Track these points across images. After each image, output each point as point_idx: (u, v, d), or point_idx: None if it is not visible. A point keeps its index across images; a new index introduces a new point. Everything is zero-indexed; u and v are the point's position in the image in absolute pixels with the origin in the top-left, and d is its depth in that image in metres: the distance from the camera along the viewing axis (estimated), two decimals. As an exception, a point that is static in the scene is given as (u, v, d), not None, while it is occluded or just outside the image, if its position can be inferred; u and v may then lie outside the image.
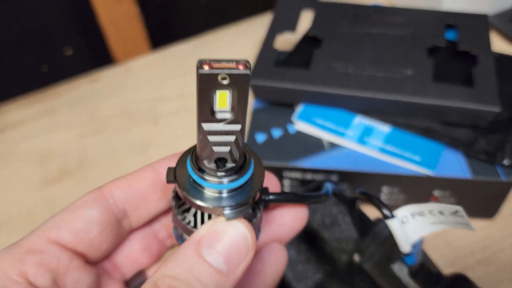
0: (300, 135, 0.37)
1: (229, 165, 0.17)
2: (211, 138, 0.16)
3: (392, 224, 0.19)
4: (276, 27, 0.42)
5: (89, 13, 0.56)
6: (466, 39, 0.39)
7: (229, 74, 0.14)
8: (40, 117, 0.52)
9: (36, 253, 0.18)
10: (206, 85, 0.15)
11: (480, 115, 0.34)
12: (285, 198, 0.21)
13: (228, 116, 0.16)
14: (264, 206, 0.20)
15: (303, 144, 0.36)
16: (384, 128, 0.36)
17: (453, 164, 0.34)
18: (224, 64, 0.14)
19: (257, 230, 0.20)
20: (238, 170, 0.18)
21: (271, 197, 0.20)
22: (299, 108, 0.38)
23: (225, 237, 0.17)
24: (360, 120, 0.37)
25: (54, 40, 0.58)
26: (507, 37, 0.52)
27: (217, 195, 0.18)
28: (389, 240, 0.24)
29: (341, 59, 0.38)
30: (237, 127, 0.16)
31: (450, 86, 0.35)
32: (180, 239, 0.20)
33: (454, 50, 0.39)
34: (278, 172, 0.36)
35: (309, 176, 0.36)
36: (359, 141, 0.35)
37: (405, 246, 0.19)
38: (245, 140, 0.18)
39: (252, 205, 0.19)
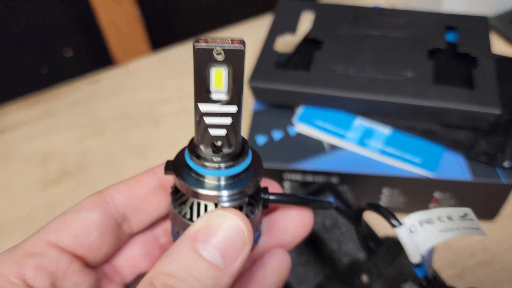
0: (300, 137, 0.37)
1: (226, 150, 0.17)
2: (207, 120, 0.16)
3: (401, 233, 0.19)
4: (277, 29, 0.42)
5: (89, 15, 0.56)
6: (466, 41, 0.39)
7: (224, 49, 0.15)
8: (40, 119, 0.52)
9: (35, 256, 0.18)
10: (202, 60, 0.15)
11: (481, 117, 0.34)
12: (285, 199, 0.21)
13: (224, 96, 0.16)
14: (264, 206, 0.20)
15: (304, 146, 0.36)
16: (384, 130, 0.36)
17: (454, 166, 0.34)
18: (219, 41, 0.15)
19: (255, 229, 0.19)
20: (235, 158, 0.17)
21: (271, 197, 0.20)
22: (300, 110, 0.38)
23: (220, 231, 0.16)
24: (360, 122, 0.37)
25: (54, 41, 0.58)
26: (507, 39, 0.52)
27: (213, 182, 0.17)
28: (399, 258, 0.23)
29: (342, 61, 0.38)
30: (233, 108, 0.16)
31: (450, 88, 0.35)
32: (177, 237, 0.20)
33: (454, 52, 0.39)
34: (279, 174, 0.36)
35: (309, 178, 0.36)
36: (360, 143, 0.35)
37: (415, 256, 0.19)
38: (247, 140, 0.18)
39: (249, 199, 0.19)
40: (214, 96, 0.16)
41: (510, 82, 0.38)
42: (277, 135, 0.37)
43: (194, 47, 0.15)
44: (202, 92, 0.16)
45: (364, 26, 0.41)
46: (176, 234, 0.20)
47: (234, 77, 0.16)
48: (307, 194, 0.34)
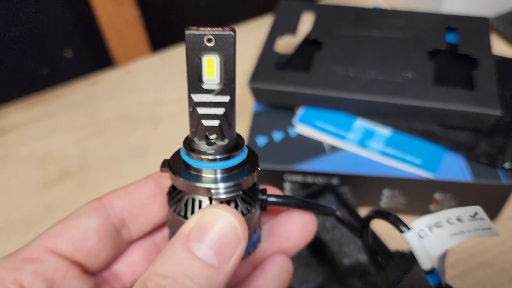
0: (301, 138, 0.37)
1: (219, 142, 0.17)
2: (200, 111, 0.17)
3: (410, 238, 0.18)
4: (277, 30, 0.42)
5: (89, 15, 0.56)
6: (467, 42, 0.39)
7: (214, 35, 0.15)
8: (40, 120, 0.52)
9: (32, 262, 0.18)
10: (193, 47, 0.16)
11: (481, 118, 0.34)
12: (284, 202, 0.20)
13: (217, 86, 0.16)
14: (262, 207, 0.20)
15: (304, 147, 0.36)
16: (385, 131, 0.36)
17: (454, 167, 0.34)
18: (210, 29, 0.16)
19: (252, 230, 0.19)
20: (229, 151, 0.17)
21: (269, 198, 0.20)
22: (300, 111, 0.38)
23: (213, 228, 0.16)
24: (361, 123, 0.37)
25: (54, 42, 0.58)
26: (508, 40, 0.52)
27: (207, 176, 0.17)
28: (411, 272, 0.23)
29: (342, 62, 0.38)
30: (226, 98, 0.16)
31: (450, 89, 0.35)
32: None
33: (454, 53, 0.39)
34: (279, 175, 0.36)
35: (310, 179, 0.36)
36: (360, 144, 0.35)
37: (426, 262, 0.18)
38: (246, 142, 0.18)
39: (245, 196, 0.18)
40: (206, 86, 0.16)
41: (511, 83, 0.38)
42: (277, 136, 0.37)
43: (185, 33, 0.15)
44: (194, 82, 0.16)
45: (364, 27, 0.41)
46: (172, 235, 0.19)
47: (225, 65, 0.16)
48: (308, 196, 0.34)
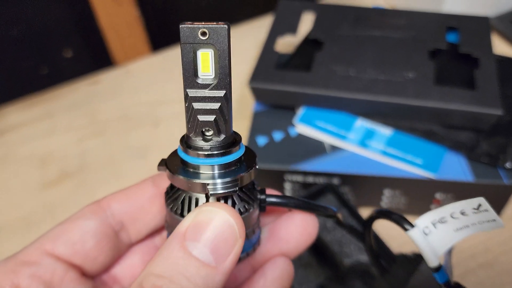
0: (301, 138, 0.37)
1: (216, 138, 0.17)
2: (196, 106, 0.17)
3: (415, 236, 0.18)
4: (277, 29, 0.42)
5: (89, 15, 0.56)
6: (468, 41, 0.39)
7: (207, 28, 0.16)
8: (40, 120, 0.52)
9: (30, 265, 0.18)
10: (187, 40, 0.16)
11: (482, 118, 0.34)
12: (283, 202, 0.20)
13: (212, 81, 0.16)
14: (261, 208, 0.19)
15: (305, 147, 0.36)
16: (385, 131, 0.36)
17: (455, 167, 0.34)
18: (204, 23, 0.16)
19: (251, 230, 0.19)
20: (226, 147, 0.17)
21: (268, 198, 0.19)
22: (300, 111, 0.38)
23: (209, 227, 0.16)
24: (361, 123, 0.37)
25: (54, 42, 0.58)
26: (508, 39, 0.52)
27: (204, 172, 0.17)
28: (415, 275, 0.22)
29: (342, 61, 0.38)
30: (221, 93, 0.17)
31: (451, 89, 0.35)
32: None
33: (455, 52, 0.38)
34: (279, 175, 0.36)
35: (310, 179, 0.35)
36: (361, 144, 0.35)
37: (433, 260, 0.18)
38: (246, 142, 0.18)
39: (243, 194, 0.18)
40: (202, 81, 0.17)
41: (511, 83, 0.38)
42: (277, 136, 0.37)
43: (179, 27, 0.16)
44: (190, 77, 0.16)
45: (365, 26, 0.41)
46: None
47: (220, 59, 0.16)
48: (308, 196, 0.33)
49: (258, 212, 0.19)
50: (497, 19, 0.54)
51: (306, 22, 0.44)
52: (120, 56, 0.60)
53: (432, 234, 0.18)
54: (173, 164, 0.18)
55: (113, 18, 0.56)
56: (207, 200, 0.18)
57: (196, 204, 0.18)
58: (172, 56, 0.58)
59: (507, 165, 0.33)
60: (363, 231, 0.22)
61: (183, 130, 0.18)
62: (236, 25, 0.61)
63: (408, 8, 0.43)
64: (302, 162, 0.35)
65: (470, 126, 0.35)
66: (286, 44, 0.44)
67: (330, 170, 0.34)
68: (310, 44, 0.41)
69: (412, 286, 0.22)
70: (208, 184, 0.17)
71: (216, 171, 0.17)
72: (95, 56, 0.61)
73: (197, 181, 0.17)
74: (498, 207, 0.35)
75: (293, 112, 0.38)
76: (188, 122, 0.17)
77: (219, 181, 0.17)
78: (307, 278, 0.31)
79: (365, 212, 0.38)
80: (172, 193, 0.19)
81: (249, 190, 0.19)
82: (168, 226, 0.19)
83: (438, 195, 0.35)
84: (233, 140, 0.18)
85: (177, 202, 0.18)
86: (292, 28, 0.42)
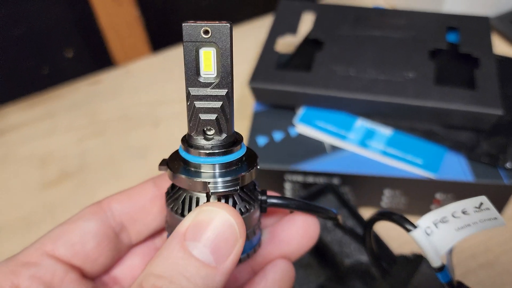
0: (301, 138, 0.37)
1: (217, 137, 0.17)
2: (198, 104, 0.17)
3: (417, 236, 0.18)
4: (277, 29, 0.42)
5: (89, 15, 0.56)
6: (468, 41, 0.39)
7: (210, 26, 0.16)
8: (40, 120, 0.52)
9: (30, 266, 0.18)
10: (190, 38, 0.16)
11: (482, 118, 0.33)
12: (284, 203, 0.20)
13: (214, 79, 0.17)
14: (262, 209, 0.19)
15: (305, 147, 0.36)
16: (386, 131, 0.36)
17: (455, 167, 0.34)
18: (207, 22, 0.16)
19: (252, 231, 0.19)
20: (227, 147, 0.17)
21: (269, 199, 0.19)
22: (301, 111, 0.38)
23: (209, 227, 0.16)
24: (361, 123, 0.37)
25: (54, 42, 0.58)
26: (508, 39, 0.52)
27: (205, 171, 0.17)
28: (416, 276, 0.22)
29: (343, 61, 0.38)
30: (223, 91, 0.17)
31: (452, 89, 0.35)
32: None
33: (455, 52, 0.38)
34: (280, 175, 0.36)
35: (310, 179, 0.35)
36: (361, 144, 0.35)
37: (436, 260, 0.18)
38: (246, 142, 0.18)
39: (243, 195, 0.18)
40: (204, 80, 0.17)
41: (512, 83, 0.38)
42: (278, 136, 0.37)
43: (182, 26, 0.16)
44: (192, 76, 0.17)
45: (365, 26, 0.41)
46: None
47: (222, 58, 0.16)
48: (308, 196, 0.33)
49: (259, 213, 0.19)
50: (497, 19, 0.53)
51: (306, 22, 0.44)
52: (120, 56, 0.60)
53: (434, 234, 0.18)
54: (174, 164, 0.18)
55: (113, 18, 0.56)
56: (208, 200, 0.18)
57: (197, 204, 0.18)
58: (172, 56, 0.58)
59: (507, 165, 0.33)
60: (363, 233, 0.22)
61: (183, 130, 0.18)
62: (236, 25, 0.61)
63: (408, 8, 0.43)
64: (302, 162, 0.35)
65: (470, 126, 0.35)
66: (286, 44, 0.44)
67: (330, 170, 0.34)
68: (310, 44, 0.41)
69: (412, 287, 0.22)
70: (209, 182, 0.17)
71: (217, 170, 0.17)
72: (95, 56, 0.61)
73: (198, 179, 0.17)
74: (498, 207, 0.35)
75: (293, 112, 0.38)
76: (189, 120, 0.17)
77: (220, 179, 0.17)
78: (307, 278, 0.31)
79: (365, 212, 0.38)
80: (172, 193, 0.19)
81: (250, 190, 0.19)
82: (169, 227, 0.19)
83: (438, 195, 0.35)
84: (235, 139, 0.18)
85: (178, 201, 0.18)
86: (292, 28, 0.42)
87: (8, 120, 0.52)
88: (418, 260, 0.23)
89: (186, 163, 0.18)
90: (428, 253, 0.18)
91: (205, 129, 0.17)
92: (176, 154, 0.19)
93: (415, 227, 0.18)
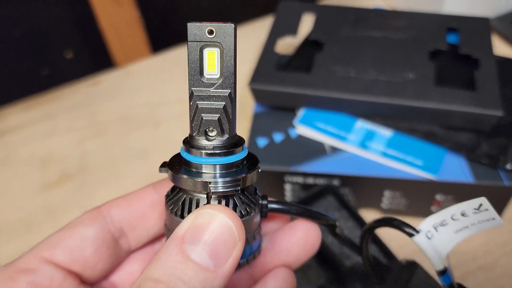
0: (301, 139, 0.37)
1: (219, 138, 0.17)
2: (201, 104, 0.17)
3: (419, 241, 0.18)
4: (277, 30, 0.42)
5: (89, 16, 0.56)
6: (468, 42, 0.39)
7: (215, 27, 0.16)
8: (40, 121, 0.52)
9: (28, 272, 0.18)
10: (194, 38, 0.16)
11: (483, 119, 0.33)
12: (285, 209, 0.20)
13: (217, 80, 0.17)
14: (262, 213, 0.19)
15: (305, 148, 0.36)
16: (386, 132, 0.36)
17: (456, 169, 0.34)
18: (211, 22, 0.16)
19: (252, 237, 0.19)
20: (228, 147, 0.17)
21: (270, 204, 0.19)
22: (301, 112, 0.38)
23: (208, 230, 0.15)
24: (361, 124, 0.37)
25: (54, 43, 0.58)
26: (508, 40, 0.52)
27: (205, 172, 0.17)
28: (412, 282, 0.22)
29: (343, 63, 0.38)
30: (226, 92, 0.17)
31: (452, 90, 0.35)
32: None
33: (455, 53, 0.38)
34: (280, 177, 0.36)
35: (310, 181, 0.35)
36: (361, 146, 0.35)
37: (438, 263, 0.18)
38: (246, 144, 0.18)
39: (244, 197, 0.18)
40: (207, 80, 0.17)
41: (512, 84, 0.38)
42: (278, 137, 0.37)
43: (187, 25, 0.16)
44: (195, 75, 0.17)
45: (365, 27, 0.41)
46: None
47: (226, 58, 0.16)
48: (308, 197, 0.33)
49: (259, 218, 0.19)
50: (497, 20, 0.53)
51: (306, 23, 0.44)
52: (120, 57, 0.60)
53: (434, 237, 0.18)
54: (175, 165, 0.18)
55: (113, 19, 0.56)
56: (208, 201, 0.17)
57: (197, 205, 0.18)
58: (173, 57, 0.58)
59: (508, 166, 0.33)
60: (360, 241, 0.22)
61: (183, 131, 0.18)
62: (237, 26, 0.61)
63: (408, 9, 0.43)
64: (302, 163, 0.35)
65: (471, 127, 0.35)
66: (286, 45, 0.44)
67: (330, 172, 0.34)
68: (310, 45, 0.41)
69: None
70: (210, 182, 0.17)
71: (218, 171, 0.17)
72: (95, 57, 0.61)
73: (199, 179, 0.17)
74: (498, 208, 0.35)
75: (293, 113, 0.38)
76: (192, 120, 0.17)
77: (221, 180, 0.17)
78: (307, 280, 0.31)
79: (365, 213, 0.38)
80: (172, 195, 0.19)
81: (251, 194, 0.19)
82: (168, 230, 0.19)
83: (438, 197, 0.35)
84: (237, 141, 0.18)
85: (178, 203, 0.18)
86: (292, 29, 0.42)
87: (8, 121, 0.52)
88: (412, 266, 0.23)
89: (187, 164, 0.18)
90: (431, 257, 0.18)
91: (207, 129, 0.17)
92: (177, 156, 0.19)
93: (416, 231, 0.18)
